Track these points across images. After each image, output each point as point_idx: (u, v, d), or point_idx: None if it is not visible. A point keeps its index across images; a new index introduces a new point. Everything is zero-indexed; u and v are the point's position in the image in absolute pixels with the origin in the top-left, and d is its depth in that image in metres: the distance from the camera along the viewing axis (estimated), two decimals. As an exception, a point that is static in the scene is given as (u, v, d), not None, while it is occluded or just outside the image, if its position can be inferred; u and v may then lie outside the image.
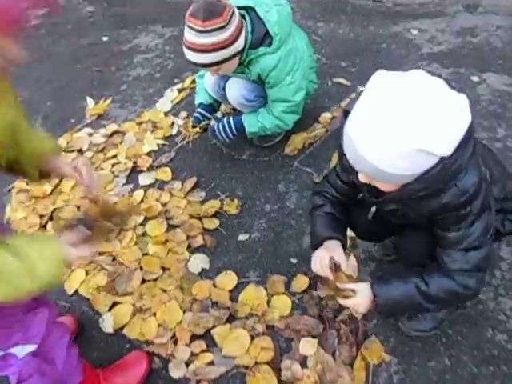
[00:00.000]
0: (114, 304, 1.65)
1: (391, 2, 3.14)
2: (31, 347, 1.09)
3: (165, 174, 2.11)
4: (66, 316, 1.60)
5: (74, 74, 2.85)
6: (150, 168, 2.15)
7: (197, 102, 2.09)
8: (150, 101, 2.55)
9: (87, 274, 1.75)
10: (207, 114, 2.04)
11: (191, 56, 1.63)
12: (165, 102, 2.51)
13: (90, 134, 2.37)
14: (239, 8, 1.69)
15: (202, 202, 1.95)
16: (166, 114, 2.44)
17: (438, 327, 1.44)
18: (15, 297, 0.89)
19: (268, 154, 2.14)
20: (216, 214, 1.91)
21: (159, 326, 1.56)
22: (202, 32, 1.55)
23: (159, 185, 2.07)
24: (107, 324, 1.59)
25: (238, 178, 2.06)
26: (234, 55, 1.66)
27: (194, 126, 1.99)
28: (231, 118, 1.95)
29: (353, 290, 1.19)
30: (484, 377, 1.35)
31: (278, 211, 1.90)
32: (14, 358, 1.08)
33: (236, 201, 1.95)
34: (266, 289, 1.62)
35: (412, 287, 1.12)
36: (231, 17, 1.58)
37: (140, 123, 2.40)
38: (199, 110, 2.04)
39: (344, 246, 1.30)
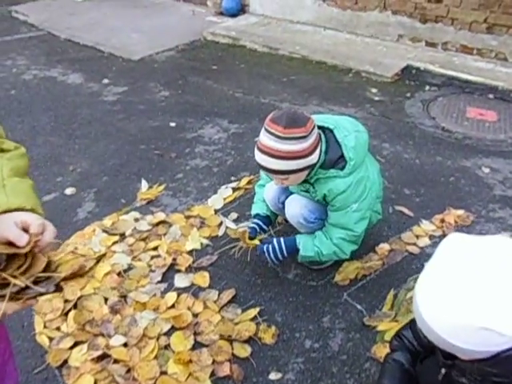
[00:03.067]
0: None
1: (461, 134, 3.08)
2: None
3: (203, 279, 1.97)
4: None
5: (136, 154, 2.90)
6: (189, 269, 2.02)
7: (253, 212, 2.01)
8: (202, 194, 2.51)
9: (96, 383, 1.56)
10: (264, 227, 1.95)
11: (263, 160, 1.57)
12: (217, 199, 2.45)
13: (136, 220, 2.32)
14: (317, 127, 1.66)
15: (237, 323, 1.77)
16: (216, 211, 2.37)
17: None
18: None
19: (316, 279, 1.97)
20: (249, 340, 1.70)
21: None
22: (281, 138, 1.51)
23: (194, 290, 1.92)
24: None
25: (280, 300, 1.88)
26: (307, 167, 1.60)
27: (250, 238, 1.88)
28: (282, 241, 1.84)
29: None
30: None
31: (320, 351, 1.67)
32: None
33: (273, 328, 1.75)
34: None
35: None
36: (312, 129, 1.56)
37: (188, 217, 2.33)
38: (256, 220, 1.95)
39: None
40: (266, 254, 1.84)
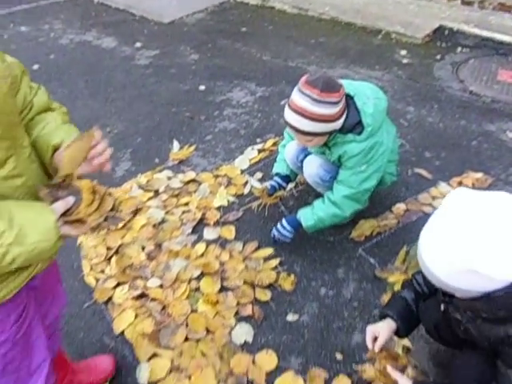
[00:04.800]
0: (154, 355, 1.67)
1: (489, 98, 3.06)
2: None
3: (229, 232, 2.16)
4: (106, 355, 1.65)
5: (168, 117, 3.06)
6: (216, 223, 2.22)
7: (274, 171, 2.14)
8: (230, 155, 2.67)
9: (136, 317, 1.81)
10: (283, 184, 2.10)
11: (296, 120, 1.64)
12: (243, 160, 2.60)
13: (169, 178, 2.51)
14: None
15: (259, 271, 1.96)
16: (242, 171, 2.53)
17: None
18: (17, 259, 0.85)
19: (333, 235, 2.12)
20: (270, 286, 1.90)
21: (191, 391, 1.56)
22: (316, 101, 1.58)
23: (221, 242, 2.11)
24: (143, 375, 1.61)
25: (299, 252, 2.05)
26: (332, 131, 1.70)
27: (269, 194, 2.04)
28: (284, 220, 1.97)
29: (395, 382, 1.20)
30: None
31: (333, 298, 1.85)
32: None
33: (292, 277, 1.93)
34: (304, 380, 1.56)
35: None
36: (343, 96, 1.65)
37: (216, 176, 2.51)
38: (276, 179, 2.10)
39: (398, 329, 1.34)
40: (277, 234, 1.98)
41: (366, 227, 2.12)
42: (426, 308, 1.37)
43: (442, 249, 0.95)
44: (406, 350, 1.62)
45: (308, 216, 1.91)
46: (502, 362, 1.04)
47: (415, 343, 1.61)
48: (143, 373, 1.62)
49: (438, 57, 3.61)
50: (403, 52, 3.69)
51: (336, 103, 1.61)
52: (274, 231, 2.00)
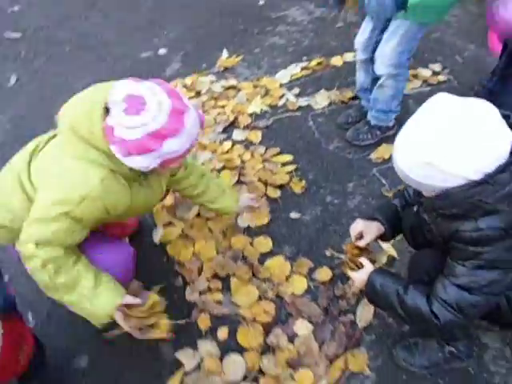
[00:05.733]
0: (169, 223, 1.94)
1: None
2: None
3: (256, 136, 2.31)
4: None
5: (222, 26, 3.15)
6: (246, 127, 2.37)
7: None
8: (273, 69, 2.74)
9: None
10: None
11: None
12: (285, 75, 2.67)
13: (212, 82, 2.66)
14: None
15: (274, 173, 2.11)
16: (281, 85, 2.61)
17: (429, 369, 1.44)
18: (70, 304, 1.25)
19: (353, 153, 2.20)
20: (281, 187, 2.06)
21: (194, 254, 1.81)
22: None
23: (247, 144, 2.28)
24: (157, 236, 1.89)
25: (316, 163, 2.17)
26: None
27: None
28: None
29: (361, 265, 1.34)
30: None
31: (337, 206, 1.98)
32: None
33: (304, 182, 2.07)
34: (291, 266, 1.76)
35: (394, 288, 1.20)
36: None
37: (256, 86, 2.62)
38: None
39: (385, 233, 1.45)
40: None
41: (386, 151, 2.16)
42: (406, 214, 1.47)
43: (407, 143, 1.03)
44: (392, 258, 1.74)
45: None
46: (450, 256, 1.14)
47: (401, 256, 1.73)
48: (158, 235, 1.90)
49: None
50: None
51: None
52: None
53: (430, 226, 1.24)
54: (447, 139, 0.95)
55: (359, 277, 1.32)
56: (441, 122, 0.97)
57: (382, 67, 1.93)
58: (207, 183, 1.66)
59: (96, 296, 1.21)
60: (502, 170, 0.95)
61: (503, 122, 0.97)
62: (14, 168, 1.29)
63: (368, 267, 1.33)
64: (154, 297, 1.32)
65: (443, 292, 1.11)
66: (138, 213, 1.54)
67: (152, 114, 1.06)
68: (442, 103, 1.01)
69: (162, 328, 1.32)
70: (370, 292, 1.28)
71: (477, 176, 0.95)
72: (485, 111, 0.97)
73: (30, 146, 1.32)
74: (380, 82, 2.00)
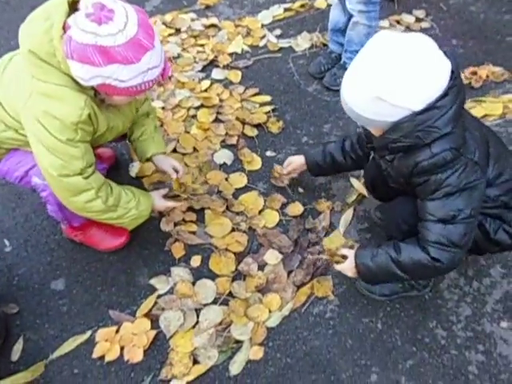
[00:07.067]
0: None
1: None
2: None
3: (235, 76, 2.29)
4: (109, 148, 1.93)
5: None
6: (226, 67, 2.34)
7: None
8: (256, 9, 2.67)
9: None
10: None
11: None
12: (267, 15, 2.61)
13: (192, 20, 2.59)
14: None
15: (252, 113, 2.12)
16: (263, 25, 2.56)
17: (389, 297, 1.54)
18: (113, 220, 1.42)
19: (331, 96, 2.21)
20: (258, 126, 2.07)
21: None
22: None
23: (226, 83, 2.26)
24: (134, 171, 1.90)
25: (294, 104, 2.18)
26: None
27: None
28: None
29: (344, 256, 1.38)
30: (402, 352, 1.45)
31: (312, 146, 2.01)
32: None
33: (281, 122, 2.09)
34: (265, 201, 1.81)
35: (385, 254, 1.22)
36: None
37: (237, 26, 2.56)
38: None
39: (308, 167, 1.69)
40: None
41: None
42: (367, 167, 1.55)
43: (355, 80, 1.05)
44: (362, 197, 1.81)
45: None
46: (419, 198, 1.18)
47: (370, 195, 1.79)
48: (134, 169, 1.92)
49: None
50: None
51: None
52: None
53: (388, 170, 1.27)
54: (393, 74, 0.98)
55: (348, 264, 1.34)
56: (385, 58, 1.00)
57: (352, 3, 1.96)
58: (151, 123, 1.65)
59: (139, 203, 1.44)
60: (444, 94, 1.00)
61: (441, 52, 1.01)
62: None
63: (350, 253, 1.35)
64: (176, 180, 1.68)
65: (431, 234, 1.13)
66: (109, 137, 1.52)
67: (111, 31, 1.02)
68: (385, 40, 1.03)
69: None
70: (365, 271, 1.28)
71: (422, 106, 1.00)
72: (425, 44, 1.00)
73: None
74: (353, 19, 2.02)
